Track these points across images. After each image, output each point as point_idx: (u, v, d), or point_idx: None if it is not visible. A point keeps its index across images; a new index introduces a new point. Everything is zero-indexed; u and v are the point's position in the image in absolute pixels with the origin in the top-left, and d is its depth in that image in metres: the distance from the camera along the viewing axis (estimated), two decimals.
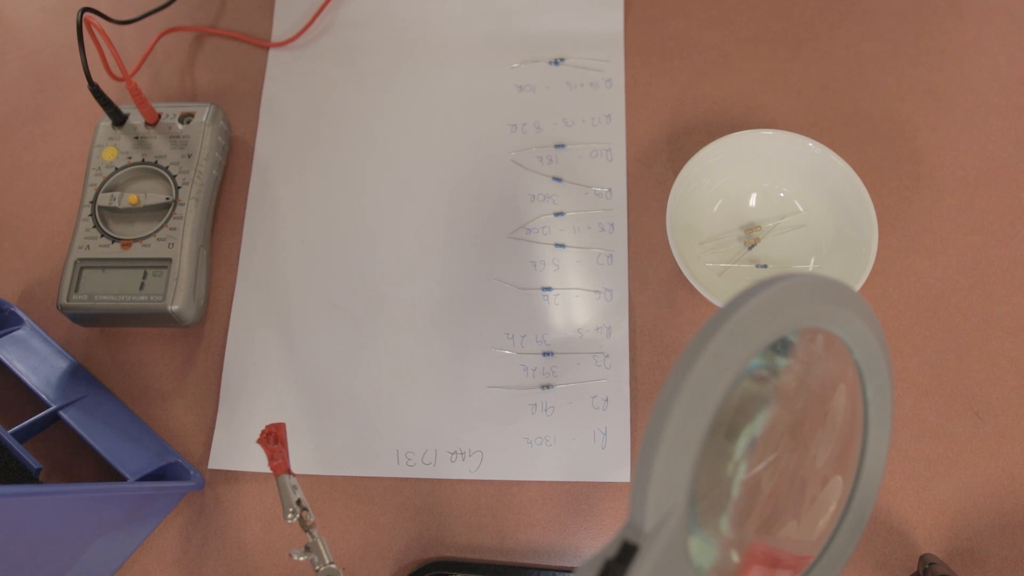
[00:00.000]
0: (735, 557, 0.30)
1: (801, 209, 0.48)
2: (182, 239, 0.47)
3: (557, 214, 0.50)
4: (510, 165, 0.52)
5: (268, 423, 0.38)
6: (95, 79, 0.48)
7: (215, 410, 0.47)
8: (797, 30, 0.55)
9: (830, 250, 0.47)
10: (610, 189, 0.51)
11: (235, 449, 0.46)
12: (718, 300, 0.43)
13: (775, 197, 0.49)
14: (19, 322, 0.49)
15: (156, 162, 0.50)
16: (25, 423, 0.43)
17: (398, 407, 0.47)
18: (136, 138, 0.50)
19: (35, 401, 0.45)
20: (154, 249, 0.47)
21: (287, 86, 0.55)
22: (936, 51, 0.54)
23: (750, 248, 0.48)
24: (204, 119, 0.51)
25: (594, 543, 0.44)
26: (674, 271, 0.48)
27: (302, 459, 0.46)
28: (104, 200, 0.48)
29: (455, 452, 0.46)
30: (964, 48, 0.54)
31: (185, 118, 0.51)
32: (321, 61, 0.56)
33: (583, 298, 0.48)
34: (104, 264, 0.47)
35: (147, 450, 0.45)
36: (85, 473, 0.46)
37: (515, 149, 0.52)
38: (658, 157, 0.51)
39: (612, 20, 0.55)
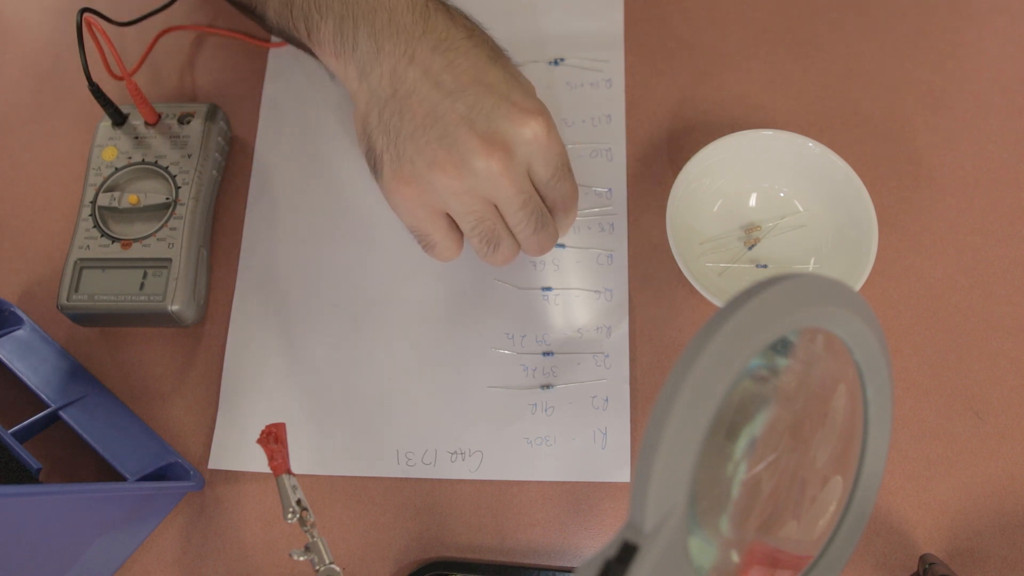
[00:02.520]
0: (735, 557, 0.30)
1: (801, 209, 0.48)
2: (182, 239, 0.47)
3: None
4: None
5: (268, 423, 0.38)
6: (95, 79, 0.48)
7: (215, 410, 0.47)
8: (797, 30, 0.54)
9: (830, 250, 0.47)
10: (610, 189, 0.51)
11: (235, 449, 0.46)
12: (718, 300, 0.43)
13: (775, 197, 0.49)
14: (19, 322, 0.49)
15: (156, 162, 0.50)
16: (25, 423, 0.43)
17: (398, 407, 0.47)
18: (136, 138, 0.50)
19: (35, 401, 0.45)
20: (154, 249, 0.47)
21: (287, 86, 0.55)
22: (936, 51, 0.54)
23: (750, 248, 0.48)
24: (204, 119, 0.51)
25: (594, 543, 0.44)
26: (674, 271, 0.48)
27: (302, 459, 0.46)
28: (104, 200, 0.48)
29: (455, 452, 0.46)
30: (964, 48, 0.54)
31: (185, 118, 0.51)
32: None
33: (583, 298, 0.48)
34: (104, 264, 0.47)
35: (147, 450, 0.45)
36: (85, 473, 0.46)
37: None
38: (658, 157, 0.51)
39: (612, 20, 0.55)
